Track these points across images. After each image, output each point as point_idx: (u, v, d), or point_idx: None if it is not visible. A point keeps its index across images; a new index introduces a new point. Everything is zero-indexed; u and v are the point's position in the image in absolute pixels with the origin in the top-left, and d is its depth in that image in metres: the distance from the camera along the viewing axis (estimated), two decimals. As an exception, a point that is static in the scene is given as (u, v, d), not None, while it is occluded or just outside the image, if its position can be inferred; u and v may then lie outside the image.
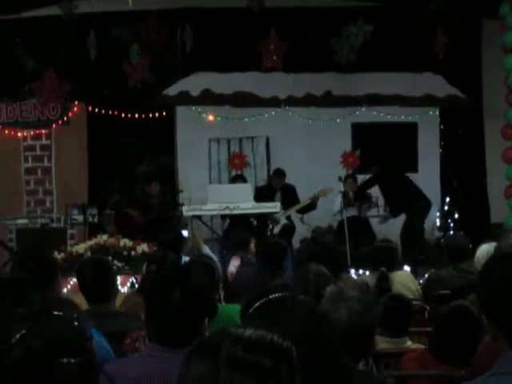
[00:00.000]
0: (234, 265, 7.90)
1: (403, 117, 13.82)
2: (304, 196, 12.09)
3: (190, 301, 2.98)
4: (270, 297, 2.23)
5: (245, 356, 1.62)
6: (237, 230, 11.80)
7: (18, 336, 1.77)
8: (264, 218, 11.74)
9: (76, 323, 1.88)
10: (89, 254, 9.58)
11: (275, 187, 12.30)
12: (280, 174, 12.52)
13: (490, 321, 2.48)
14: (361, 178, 12.70)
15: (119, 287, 7.25)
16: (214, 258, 7.96)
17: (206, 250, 9.19)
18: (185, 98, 13.40)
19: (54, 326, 1.82)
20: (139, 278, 8.37)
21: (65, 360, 1.79)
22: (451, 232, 12.71)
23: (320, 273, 4.22)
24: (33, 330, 1.78)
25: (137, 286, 8.47)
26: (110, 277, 4.74)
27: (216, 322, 4.08)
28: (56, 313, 1.88)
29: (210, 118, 13.54)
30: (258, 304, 2.22)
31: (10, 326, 1.81)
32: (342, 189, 11.97)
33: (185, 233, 10.73)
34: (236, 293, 6.13)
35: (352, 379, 2.17)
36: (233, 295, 6.20)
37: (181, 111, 13.61)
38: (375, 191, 12.27)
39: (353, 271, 9.69)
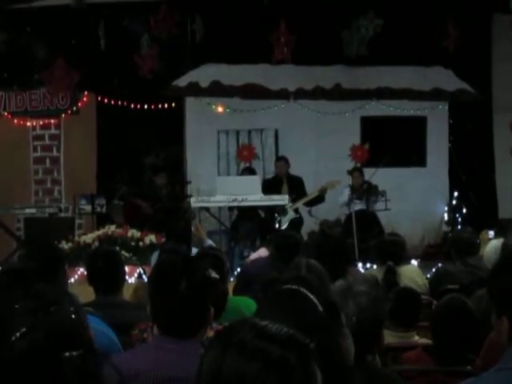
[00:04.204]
0: (259, 253, 7.76)
1: (412, 111, 13.79)
2: (312, 189, 12.06)
3: (196, 291, 2.98)
4: (284, 287, 2.24)
5: (254, 342, 1.61)
6: (245, 222, 11.84)
7: (18, 334, 1.79)
8: (272, 210, 11.72)
9: (74, 315, 1.89)
10: (96, 244, 9.59)
11: (278, 174, 12.27)
12: (280, 158, 12.51)
13: (506, 317, 2.46)
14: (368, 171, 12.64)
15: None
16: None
17: (209, 242, 9.16)
18: (194, 89, 13.38)
19: (53, 319, 1.83)
20: (147, 268, 8.39)
21: (67, 354, 1.81)
22: (459, 227, 12.69)
23: (312, 266, 4.19)
24: (34, 325, 1.80)
25: (144, 276, 8.50)
26: (120, 267, 4.77)
27: (224, 314, 4.08)
28: (54, 306, 1.89)
29: (219, 109, 13.53)
30: (270, 294, 2.23)
31: (12, 321, 1.82)
32: (351, 182, 11.95)
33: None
34: (246, 283, 6.14)
35: (349, 381, 2.16)
36: (243, 286, 6.21)
37: (190, 102, 13.61)
38: (382, 184, 12.21)
39: (360, 265, 9.70)
